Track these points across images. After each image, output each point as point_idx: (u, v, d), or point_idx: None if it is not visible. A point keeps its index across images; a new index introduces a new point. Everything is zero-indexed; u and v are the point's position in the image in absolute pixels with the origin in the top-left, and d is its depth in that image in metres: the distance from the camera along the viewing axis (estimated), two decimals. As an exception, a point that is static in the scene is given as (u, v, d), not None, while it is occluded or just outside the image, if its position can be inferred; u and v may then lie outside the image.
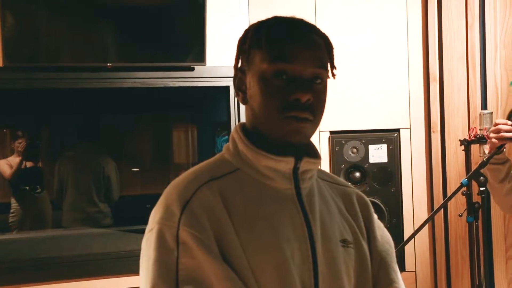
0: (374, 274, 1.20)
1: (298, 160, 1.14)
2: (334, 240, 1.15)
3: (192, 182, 1.12)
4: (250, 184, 1.13)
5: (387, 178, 2.88)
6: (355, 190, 1.29)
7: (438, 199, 2.85)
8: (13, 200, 3.74)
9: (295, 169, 1.15)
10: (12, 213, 3.73)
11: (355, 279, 1.17)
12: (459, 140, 2.68)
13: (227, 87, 2.90)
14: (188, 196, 1.08)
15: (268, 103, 1.11)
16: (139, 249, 1.12)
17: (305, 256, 1.10)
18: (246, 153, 1.15)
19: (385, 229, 1.27)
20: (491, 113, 2.60)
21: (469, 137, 2.63)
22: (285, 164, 1.14)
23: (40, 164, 3.89)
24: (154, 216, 1.10)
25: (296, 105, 1.09)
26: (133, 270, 2.12)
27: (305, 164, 1.16)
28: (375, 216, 1.27)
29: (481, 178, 2.34)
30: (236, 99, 2.88)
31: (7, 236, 3.39)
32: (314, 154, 1.19)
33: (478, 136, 2.56)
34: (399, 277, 1.22)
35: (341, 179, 1.33)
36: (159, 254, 1.05)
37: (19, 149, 3.76)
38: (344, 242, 1.17)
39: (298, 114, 1.09)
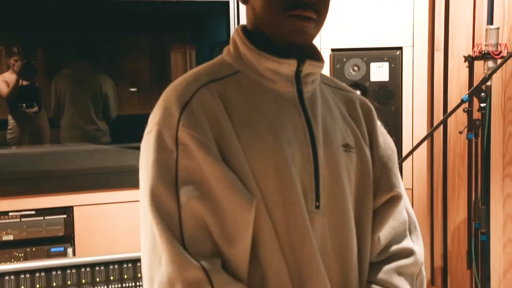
0: (375, 179, 1.19)
1: (300, 62, 1.11)
2: (336, 144, 1.14)
3: (192, 83, 1.09)
4: (251, 87, 1.11)
5: (388, 96, 2.85)
6: (358, 96, 1.26)
7: (439, 118, 2.83)
8: (10, 117, 3.74)
9: (298, 72, 1.12)
10: (10, 129, 3.73)
11: (356, 184, 1.17)
12: (463, 56, 2.63)
13: (227, 2, 2.81)
14: (187, 98, 1.06)
15: (270, 1, 1.06)
16: (138, 164, 1.10)
17: (306, 159, 1.09)
18: (247, 54, 1.12)
19: (387, 135, 1.26)
20: (498, 28, 2.54)
21: (474, 53, 2.58)
22: (287, 67, 1.11)
23: (36, 84, 3.84)
24: (153, 118, 1.08)
25: (299, 3, 1.05)
26: (133, 184, 2.13)
27: (307, 67, 1.12)
28: (378, 123, 1.25)
29: (482, 94, 2.32)
30: (235, 17, 2.81)
31: (6, 151, 3.39)
32: (317, 57, 1.16)
33: (483, 52, 2.52)
34: (400, 182, 1.22)
35: (345, 85, 1.29)
36: (158, 155, 1.03)
37: (15, 68, 3.71)
38: (346, 146, 1.15)
39: (301, 13, 1.05)
